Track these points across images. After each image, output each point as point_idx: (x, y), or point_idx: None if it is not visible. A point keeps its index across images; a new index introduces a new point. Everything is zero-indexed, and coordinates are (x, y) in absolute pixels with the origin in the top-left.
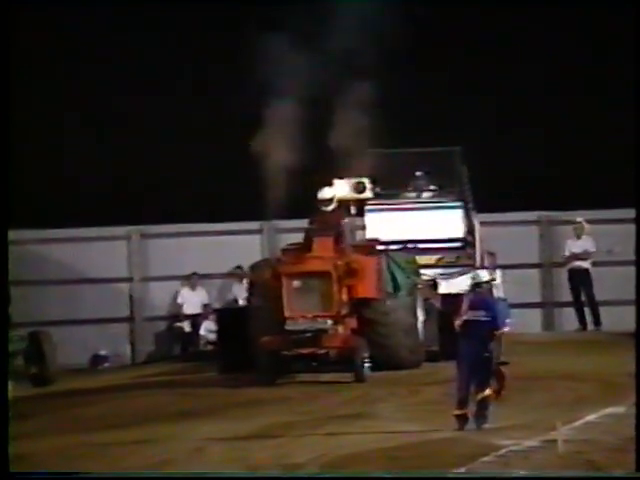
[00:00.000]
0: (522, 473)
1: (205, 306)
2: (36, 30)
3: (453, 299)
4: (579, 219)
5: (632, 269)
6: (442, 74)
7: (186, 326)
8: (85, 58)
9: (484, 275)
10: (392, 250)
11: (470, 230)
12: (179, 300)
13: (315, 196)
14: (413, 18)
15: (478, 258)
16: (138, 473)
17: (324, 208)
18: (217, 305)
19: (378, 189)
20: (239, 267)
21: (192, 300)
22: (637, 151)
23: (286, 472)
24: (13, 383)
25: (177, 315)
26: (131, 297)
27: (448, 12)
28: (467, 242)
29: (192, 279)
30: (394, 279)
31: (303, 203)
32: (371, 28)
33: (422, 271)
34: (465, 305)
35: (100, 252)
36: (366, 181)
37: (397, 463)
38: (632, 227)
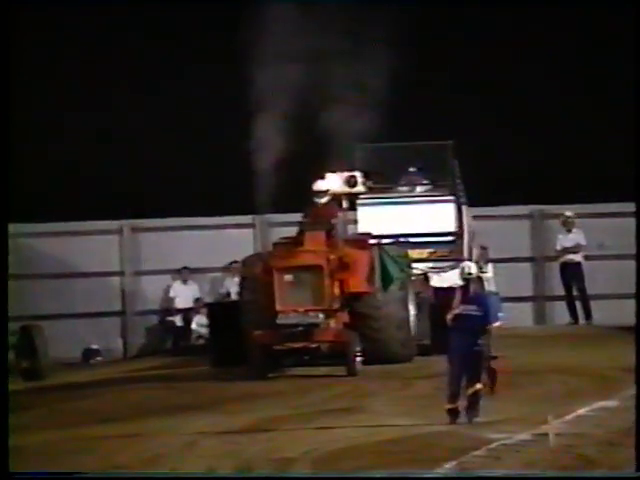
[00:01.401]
0: (518, 472)
1: (197, 300)
2: (36, 30)
3: (445, 293)
4: (568, 213)
5: (623, 263)
6: (437, 69)
7: (178, 320)
8: (83, 56)
9: (472, 267)
10: (385, 244)
11: (462, 224)
12: (171, 294)
13: (308, 190)
14: (410, 13)
15: (465, 252)
16: (137, 473)
17: (318, 200)
18: (209, 299)
19: (370, 183)
20: (235, 262)
21: (184, 294)
22: (637, 145)
23: (278, 466)
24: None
25: (169, 309)
26: (123, 291)
27: (446, 8)
28: (459, 236)
29: (183, 273)
30: (387, 271)
31: (295, 197)
32: (367, 23)
33: (414, 265)
34: (457, 299)
35: (92, 246)
36: (358, 175)
37: (389, 457)
38: (623, 220)
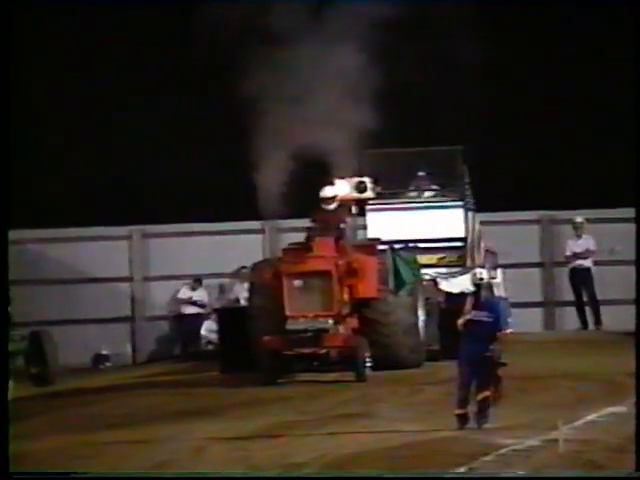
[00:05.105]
0: (522, 473)
1: (206, 306)
2: (36, 30)
3: (456, 298)
4: (579, 218)
5: (633, 268)
6: (443, 73)
7: (187, 326)
8: (85, 58)
9: (483, 273)
10: (397, 248)
11: (471, 230)
12: (179, 300)
13: (317, 195)
14: (413, 15)
15: (475, 257)
16: (138, 473)
17: (326, 206)
18: (218, 305)
19: (379, 189)
20: (244, 267)
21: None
22: (637, 150)
23: (287, 472)
24: (14, 383)
25: (178, 315)
26: (132, 296)
27: (448, 10)
28: (468, 242)
29: (194, 283)
30: (400, 275)
31: (304, 202)
32: (371, 28)
33: (423, 270)
34: (469, 305)
35: (101, 251)
36: (367, 180)
37: (398, 463)
38: (634, 226)
